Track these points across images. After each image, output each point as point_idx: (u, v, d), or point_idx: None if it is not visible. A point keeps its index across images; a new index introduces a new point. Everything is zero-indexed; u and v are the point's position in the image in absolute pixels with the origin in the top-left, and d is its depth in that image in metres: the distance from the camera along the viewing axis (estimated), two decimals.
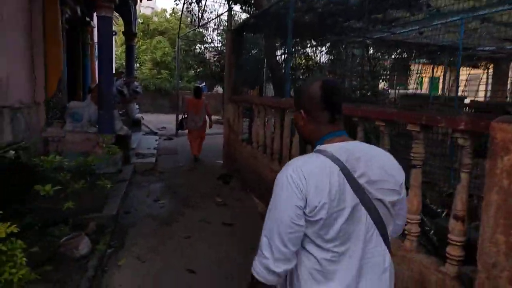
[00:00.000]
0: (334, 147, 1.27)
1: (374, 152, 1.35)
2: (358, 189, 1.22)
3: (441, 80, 11.40)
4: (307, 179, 1.19)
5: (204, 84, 26.51)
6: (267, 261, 1.22)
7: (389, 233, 1.32)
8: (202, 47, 16.36)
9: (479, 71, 11.92)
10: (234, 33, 7.33)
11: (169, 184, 6.49)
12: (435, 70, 11.28)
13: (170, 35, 21.89)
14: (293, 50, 7.58)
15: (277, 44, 6.96)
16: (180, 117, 10.23)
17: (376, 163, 1.29)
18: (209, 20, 13.44)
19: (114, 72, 9.11)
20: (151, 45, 21.65)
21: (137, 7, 12.66)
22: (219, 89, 24.11)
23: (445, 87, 10.98)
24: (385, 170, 1.30)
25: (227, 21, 7.50)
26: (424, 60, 10.42)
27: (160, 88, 21.04)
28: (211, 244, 4.12)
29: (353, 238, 1.23)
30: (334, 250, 1.22)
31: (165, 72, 21.37)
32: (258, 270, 1.25)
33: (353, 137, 1.89)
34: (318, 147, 1.32)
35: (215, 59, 15.90)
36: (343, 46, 7.59)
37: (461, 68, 10.70)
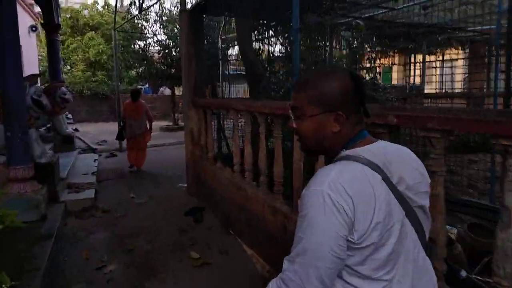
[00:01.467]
0: (366, 151, 1.03)
1: (402, 151, 1.13)
2: (401, 198, 1.01)
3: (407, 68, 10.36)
4: (352, 197, 0.92)
5: (147, 85, 24.07)
6: None
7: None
8: (144, 43, 14.15)
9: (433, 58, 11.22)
10: (192, 14, 5.52)
11: (118, 231, 4.56)
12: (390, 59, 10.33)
13: (104, 31, 19.20)
14: (268, 35, 5.94)
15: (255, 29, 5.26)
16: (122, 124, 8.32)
17: (409, 165, 1.09)
18: (149, 6, 11.31)
19: (32, 75, 6.85)
20: (82, 43, 18.80)
21: None
22: (165, 90, 21.82)
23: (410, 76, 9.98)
24: (418, 169, 1.10)
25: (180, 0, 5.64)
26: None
27: (97, 92, 18.38)
28: None
29: (402, 259, 1.00)
30: (384, 279, 0.97)
31: (101, 73, 18.70)
32: None
33: None
34: (345, 152, 1.06)
35: (160, 55, 13.82)
36: (328, 28, 6.06)
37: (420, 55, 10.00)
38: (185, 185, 6.29)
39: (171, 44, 13.53)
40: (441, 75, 9.30)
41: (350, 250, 0.95)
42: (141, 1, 9.83)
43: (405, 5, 5.47)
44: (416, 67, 9.83)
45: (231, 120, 6.07)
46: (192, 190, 5.82)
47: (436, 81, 9.54)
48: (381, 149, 1.06)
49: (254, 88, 5.29)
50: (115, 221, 4.92)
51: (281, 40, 5.43)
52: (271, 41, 5.61)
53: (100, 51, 18.50)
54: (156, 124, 18.38)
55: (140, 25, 15.51)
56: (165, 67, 13.64)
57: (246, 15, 4.56)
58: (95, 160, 8.33)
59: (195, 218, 4.75)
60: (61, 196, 5.32)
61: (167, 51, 13.46)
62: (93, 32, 19.22)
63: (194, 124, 5.61)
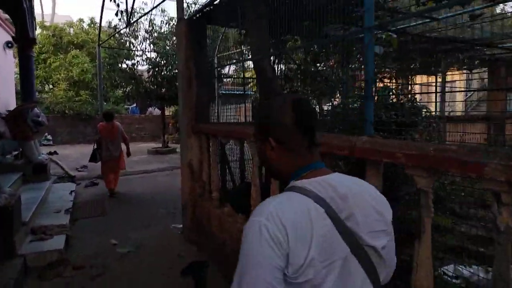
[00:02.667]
0: (314, 183, 1.00)
1: (360, 186, 1.06)
2: (347, 235, 0.95)
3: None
4: (287, 228, 0.89)
5: (135, 105, 22.92)
6: None
7: (381, 283, 1.04)
8: (132, 61, 13.13)
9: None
10: (192, 23, 4.52)
11: None
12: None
13: (90, 49, 18.14)
14: (282, 49, 4.95)
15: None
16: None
17: (364, 201, 1.01)
18: (138, 19, 10.35)
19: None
20: (65, 61, 17.65)
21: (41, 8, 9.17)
22: (154, 110, 20.69)
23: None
24: (374, 207, 1.02)
25: (177, 6, 4.65)
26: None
27: (80, 113, 17.14)
28: None
29: None
30: None
31: (85, 93, 17.50)
32: None
33: None
34: (293, 183, 1.04)
35: (150, 73, 12.82)
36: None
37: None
38: (181, 226, 5.14)
39: (162, 62, 12.56)
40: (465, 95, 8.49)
41: (288, 285, 0.90)
42: (129, 14, 8.87)
43: (450, 14, 4.60)
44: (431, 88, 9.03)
45: (235, 147, 5.08)
46: (191, 236, 4.67)
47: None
48: (333, 182, 1.01)
49: None
50: (89, 284, 3.73)
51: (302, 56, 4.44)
52: (291, 56, 4.64)
53: (85, 69, 17.38)
54: (145, 146, 17.23)
55: (128, 42, 14.56)
56: (155, 86, 12.61)
57: (264, 25, 3.57)
58: (71, 191, 7.10)
59: (197, 282, 3.60)
60: (20, 248, 4.12)
61: (157, 69, 12.46)
62: (78, 50, 18.15)
63: (193, 155, 4.52)
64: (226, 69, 9.45)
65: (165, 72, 12.32)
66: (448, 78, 10.63)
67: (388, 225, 1.04)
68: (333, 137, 2.17)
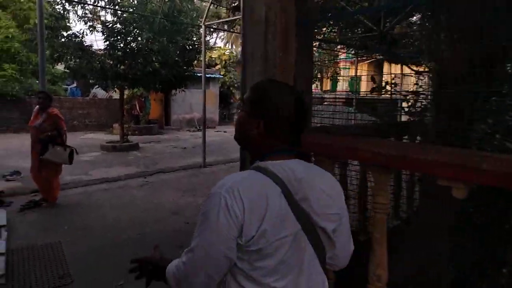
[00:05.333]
0: (276, 165, 1.09)
1: (315, 172, 1.17)
2: (300, 214, 1.06)
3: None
4: (244, 203, 0.99)
5: (75, 85, 18.99)
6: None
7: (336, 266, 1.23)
8: (83, 30, 9.86)
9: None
10: None
11: None
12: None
13: (17, 11, 14.20)
14: None
15: None
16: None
17: (318, 185, 1.12)
18: None
19: None
20: None
21: None
22: (99, 91, 17.13)
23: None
24: (327, 192, 1.13)
25: None
26: None
27: (4, 93, 13.31)
28: None
29: (295, 270, 1.07)
30: (273, 286, 1.03)
31: (10, 67, 13.63)
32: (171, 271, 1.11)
33: None
34: (258, 163, 1.13)
35: (106, 43, 9.76)
36: None
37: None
38: None
39: (125, 28, 9.56)
40: None
41: (241, 252, 1.01)
42: None
43: None
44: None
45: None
46: None
47: None
48: (292, 166, 1.10)
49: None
50: None
51: None
52: None
53: (11, 36, 13.48)
54: (93, 138, 13.69)
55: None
56: (115, 61, 9.59)
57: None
58: None
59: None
60: None
61: (118, 37, 9.45)
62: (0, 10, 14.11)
63: None
64: None
65: (134, 43, 9.42)
66: None
67: (339, 210, 1.14)
68: None
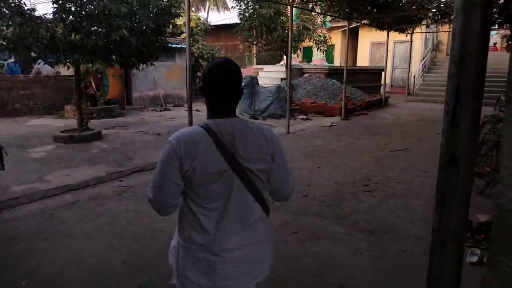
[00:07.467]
0: (213, 122, 1.50)
1: (251, 126, 1.56)
2: (228, 157, 1.46)
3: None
4: (181, 146, 1.45)
5: (13, 60, 15.97)
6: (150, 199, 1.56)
7: (265, 197, 1.60)
8: None
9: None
10: None
11: None
12: None
13: None
14: None
15: None
16: None
17: (247, 136, 1.51)
18: None
19: None
20: None
21: None
22: (44, 67, 14.42)
23: None
24: (254, 142, 1.52)
25: None
26: None
27: None
28: None
29: (224, 197, 1.49)
30: (208, 207, 1.50)
31: None
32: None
33: None
34: (204, 121, 1.53)
35: (56, 9, 7.59)
36: None
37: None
38: None
39: None
40: None
41: (185, 182, 1.49)
42: None
43: None
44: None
45: None
46: None
47: None
48: (227, 123, 1.50)
49: None
50: None
51: None
52: None
53: None
54: (40, 124, 10.89)
55: None
56: (68, 29, 7.47)
57: None
58: None
59: None
60: None
61: (71, 3, 7.30)
62: None
63: None
64: None
65: (86, 4, 7.32)
66: None
67: (264, 155, 1.54)
68: None
